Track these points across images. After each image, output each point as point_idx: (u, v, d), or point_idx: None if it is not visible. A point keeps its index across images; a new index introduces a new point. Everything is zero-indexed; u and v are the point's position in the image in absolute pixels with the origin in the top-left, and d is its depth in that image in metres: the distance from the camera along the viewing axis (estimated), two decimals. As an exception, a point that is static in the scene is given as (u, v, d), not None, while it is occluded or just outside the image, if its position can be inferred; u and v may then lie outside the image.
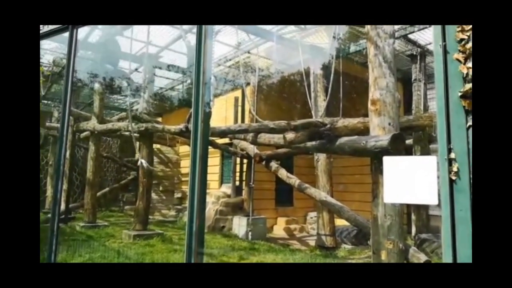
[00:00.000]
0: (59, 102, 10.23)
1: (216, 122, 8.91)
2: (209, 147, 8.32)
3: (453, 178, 1.51)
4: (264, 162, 7.99)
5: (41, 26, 3.25)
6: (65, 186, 8.67)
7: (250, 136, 6.72)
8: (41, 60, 7.90)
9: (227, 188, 9.50)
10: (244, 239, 7.77)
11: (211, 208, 8.83)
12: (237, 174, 9.35)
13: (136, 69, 8.93)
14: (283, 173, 7.68)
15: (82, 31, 6.83)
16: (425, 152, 6.29)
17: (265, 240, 7.80)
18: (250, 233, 7.64)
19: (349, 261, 6.04)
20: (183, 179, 11.86)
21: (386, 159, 1.72)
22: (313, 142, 5.22)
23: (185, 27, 7.06)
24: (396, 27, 5.92)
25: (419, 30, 6.42)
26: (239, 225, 8.30)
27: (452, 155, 1.52)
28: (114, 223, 9.02)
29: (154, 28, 7.00)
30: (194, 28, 2.41)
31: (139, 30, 7.03)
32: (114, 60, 8.93)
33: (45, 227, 3.07)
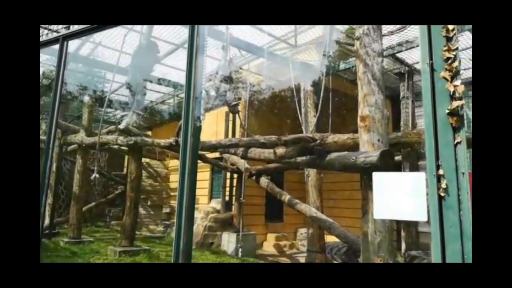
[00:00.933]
0: (48, 114, 10.09)
1: (207, 136, 8.88)
2: (199, 161, 8.26)
3: (442, 194, 1.51)
4: (254, 177, 7.95)
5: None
6: (50, 200, 8.46)
7: (240, 150, 6.70)
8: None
9: (216, 203, 9.39)
10: (234, 255, 7.63)
11: (200, 224, 8.69)
12: (227, 189, 9.27)
13: (126, 83, 8.89)
14: (273, 188, 7.64)
15: (73, 44, 6.82)
16: (414, 168, 6.35)
17: (255, 257, 7.68)
18: (240, 249, 7.52)
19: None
20: (172, 193, 11.69)
21: (376, 175, 1.72)
22: (304, 157, 5.23)
23: (178, 42, 7.11)
24: (384, 46, 6.07)
25: (406, 49, 6.58)
26: (228, 241, 8.17)
27: (441, 172, 1.53)
28: (99, 238, 8.78)
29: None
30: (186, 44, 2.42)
31: (131, 45, 7.04)
32: (104, 73, 8.90)
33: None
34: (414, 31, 5.95)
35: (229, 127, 9.39)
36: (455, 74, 1.57)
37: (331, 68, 7.37)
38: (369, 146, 3.83)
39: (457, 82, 1.56)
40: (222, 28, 6.64)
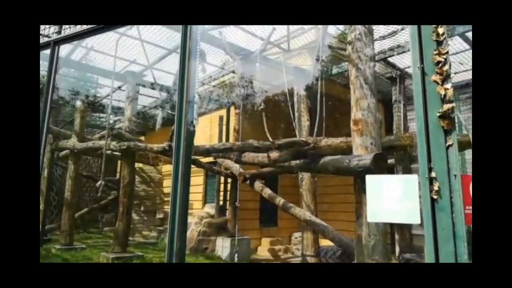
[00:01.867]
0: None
1: (201, 140, 8.86)
2: (193, 166, 8.22)
3: (435, 197, 1.52)
4: (248, 182, 7.93)
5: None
6: (41, 206, 8.33)
7: (234, 155, 6.69)
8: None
9: (210, 208, 9.34)
10: (228, 260, 7.58)
11: (194, 229, 8.63)
12: (221, 193, 9.23)
13: (119, 87, 8.85)
14: (267, 192, 7.63)
15: (65, 49, 6.77)
16: (407, 171, 6.39)
17: (249, 262, 7.63)
18: (236, 254, 7.47)
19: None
20: (165, 199, 11.61)
21: (369, 178, 1.73)
22: (297, 161, 5.23)
23: (171, 46, 7.11)
24: (376, 51, 6.13)
25: (398, 54, 6.66)
26: (222, 246, 8.11)
27: (433, 174, 1.54)
28: (92, 245, 8.66)
29: (139, 46, 7.02)
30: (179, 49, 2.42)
31: (124, 49, 7.02)
32: (97, 78, 8.85)
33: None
34: (405, 36, 6.03)
35: (223, 131, 9.37)
36: (445, 78, 1.59)
37: (323, 72, 7.41)
38: (362, 150, 3.85)
39: (448, 85, 1.58)
40: (215, 32, 6.66)
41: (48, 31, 3.85)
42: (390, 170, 6.29)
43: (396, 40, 6.37)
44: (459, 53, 6.51)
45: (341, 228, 7.11)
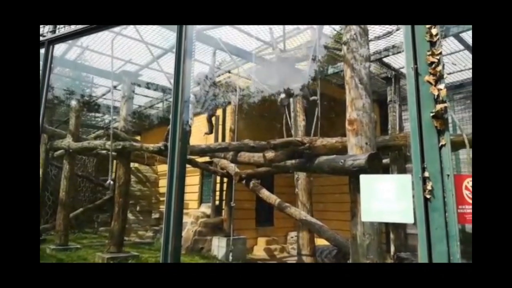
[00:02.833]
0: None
1: (197, 140, 8.83)
2: (189, 165, 8.20)
3: (428, 196, 1.54)
4: (244, 181, 7.93)
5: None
6: (35, 207, 8.26)
7: (230, 154, 6.68)
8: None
9: (206, 208, 9.33)
10: (224, 260, 7.58)
11: (190, 228, 8.61)
12: (217, 193, 9.22)
13: (115, 87, 8.81)
14: (263, 192, 7.63)
15: (60, 48, 6.73)
16: (402, 171, 6.43)
17: (245, 262, 7.64)
18: (231, 253, 7.46)
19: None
20: (161, 198, 11.57)
21: (363, 178, 1.74)
22: (293, 161, 5.24)
23: (167, 46, 7.09)
24: (371, 51, 6.16)
25: (393, 54, 6.69)
26: (218, 246, 8.11)
27: (426, 174, 1.55)
28: (87, 245, 8.62)
29: (134, 45, 6.99)
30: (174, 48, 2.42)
31: (119, 49, 6.99)
32: (92, 77, 8.80)
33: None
34: (400, 36, 6.06)
35: (219, 131, 9.36)
36: (439, 78, 1.60)
37: (319, 72, 7.43)
38: (357, 149, 3.86)
39: (441, 85, 1.59)
40: (210, 32, 6.65)
41: (42, 30, 3.83)
42: (385, 170, 6.33)
43: (391, 41, 6.40)
44: (453, 53, 6.57)
45: (337, 227, 7.14)
